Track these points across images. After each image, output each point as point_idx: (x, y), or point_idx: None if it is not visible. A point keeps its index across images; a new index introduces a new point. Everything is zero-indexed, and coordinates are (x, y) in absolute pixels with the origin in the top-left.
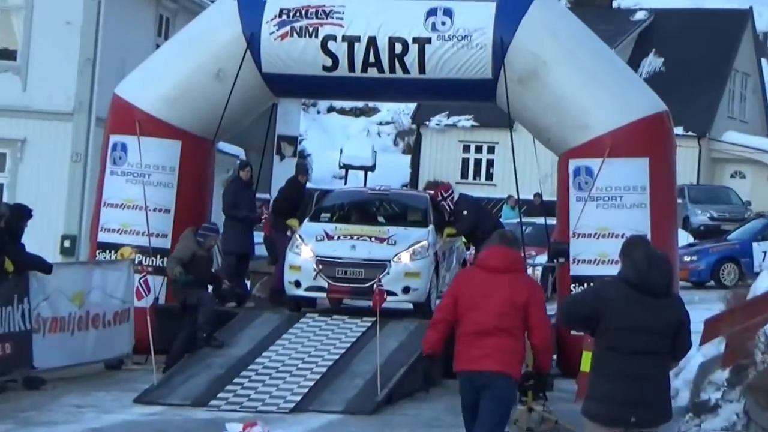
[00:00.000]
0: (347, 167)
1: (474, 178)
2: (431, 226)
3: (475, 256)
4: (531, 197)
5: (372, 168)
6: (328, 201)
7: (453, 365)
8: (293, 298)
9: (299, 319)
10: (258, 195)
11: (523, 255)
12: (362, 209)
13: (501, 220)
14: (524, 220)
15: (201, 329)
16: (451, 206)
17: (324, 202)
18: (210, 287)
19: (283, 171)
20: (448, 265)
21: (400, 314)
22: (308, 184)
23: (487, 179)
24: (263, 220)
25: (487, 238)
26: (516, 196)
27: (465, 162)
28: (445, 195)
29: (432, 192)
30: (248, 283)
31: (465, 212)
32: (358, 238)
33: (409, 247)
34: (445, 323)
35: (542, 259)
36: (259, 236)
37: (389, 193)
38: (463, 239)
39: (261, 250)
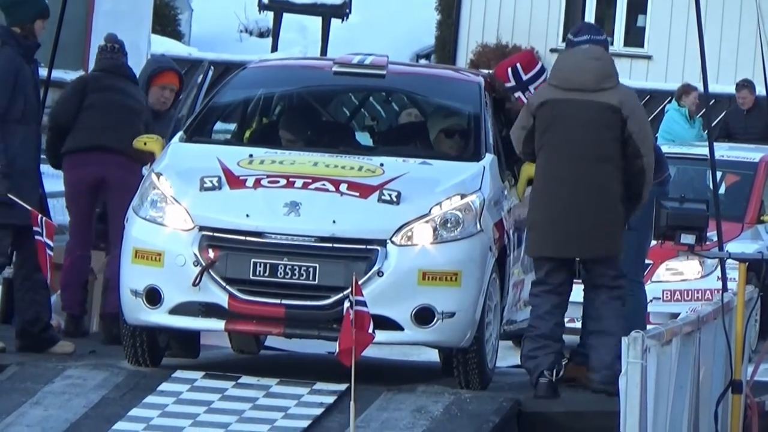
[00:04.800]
0: (278, 7)
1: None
2: (489, 158)
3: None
4: (732, 91)
5: (342, 12)
6: (234, 91)
7: None
8: (143, 332)
9: (156, 388)
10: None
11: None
12: (318, 115)
13: (661, 142)
14: (721, 147)
15: None
16: None
17: (222, 93)
18: None
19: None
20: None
21: (406, 373)
22: (173, 47)
23: (628, 44)
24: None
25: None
26: (699, 85)
27: (573, 2)
28: (525, 78)
29: (491, 74)
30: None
31: None
32: (306, 185)
33: (432, 209)
34: None
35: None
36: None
37: (384, 75)
38: None
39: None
